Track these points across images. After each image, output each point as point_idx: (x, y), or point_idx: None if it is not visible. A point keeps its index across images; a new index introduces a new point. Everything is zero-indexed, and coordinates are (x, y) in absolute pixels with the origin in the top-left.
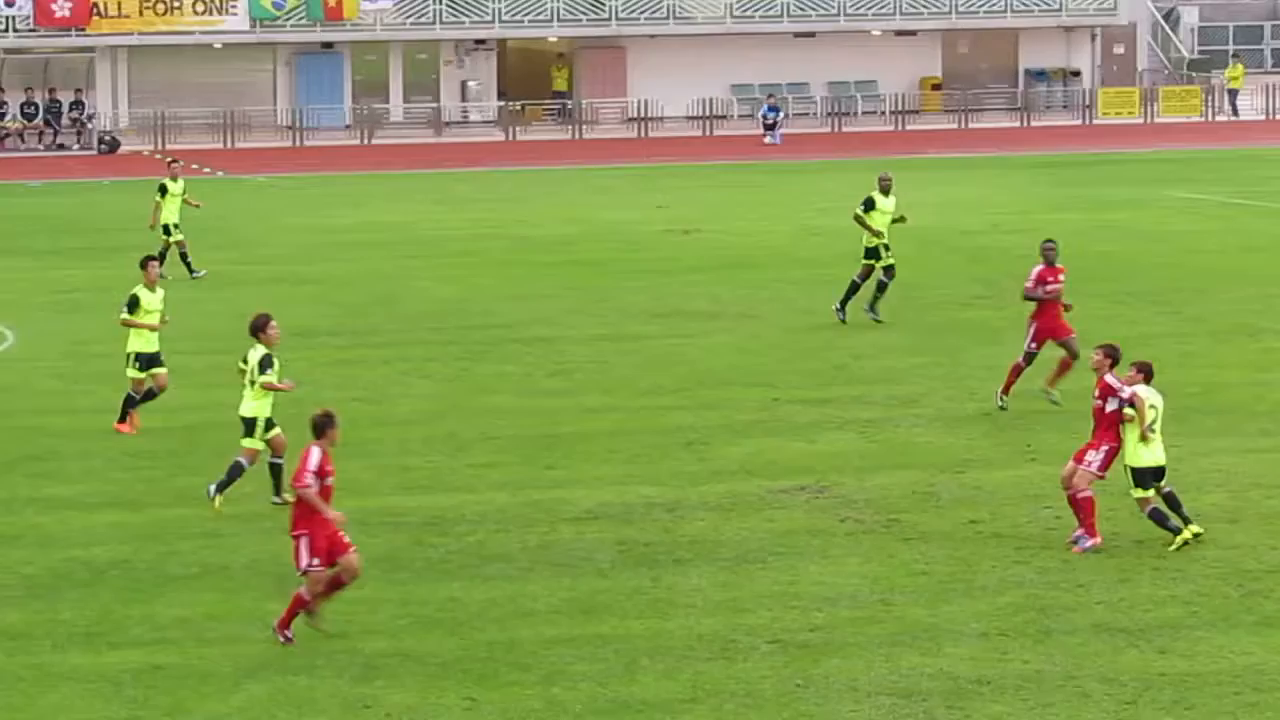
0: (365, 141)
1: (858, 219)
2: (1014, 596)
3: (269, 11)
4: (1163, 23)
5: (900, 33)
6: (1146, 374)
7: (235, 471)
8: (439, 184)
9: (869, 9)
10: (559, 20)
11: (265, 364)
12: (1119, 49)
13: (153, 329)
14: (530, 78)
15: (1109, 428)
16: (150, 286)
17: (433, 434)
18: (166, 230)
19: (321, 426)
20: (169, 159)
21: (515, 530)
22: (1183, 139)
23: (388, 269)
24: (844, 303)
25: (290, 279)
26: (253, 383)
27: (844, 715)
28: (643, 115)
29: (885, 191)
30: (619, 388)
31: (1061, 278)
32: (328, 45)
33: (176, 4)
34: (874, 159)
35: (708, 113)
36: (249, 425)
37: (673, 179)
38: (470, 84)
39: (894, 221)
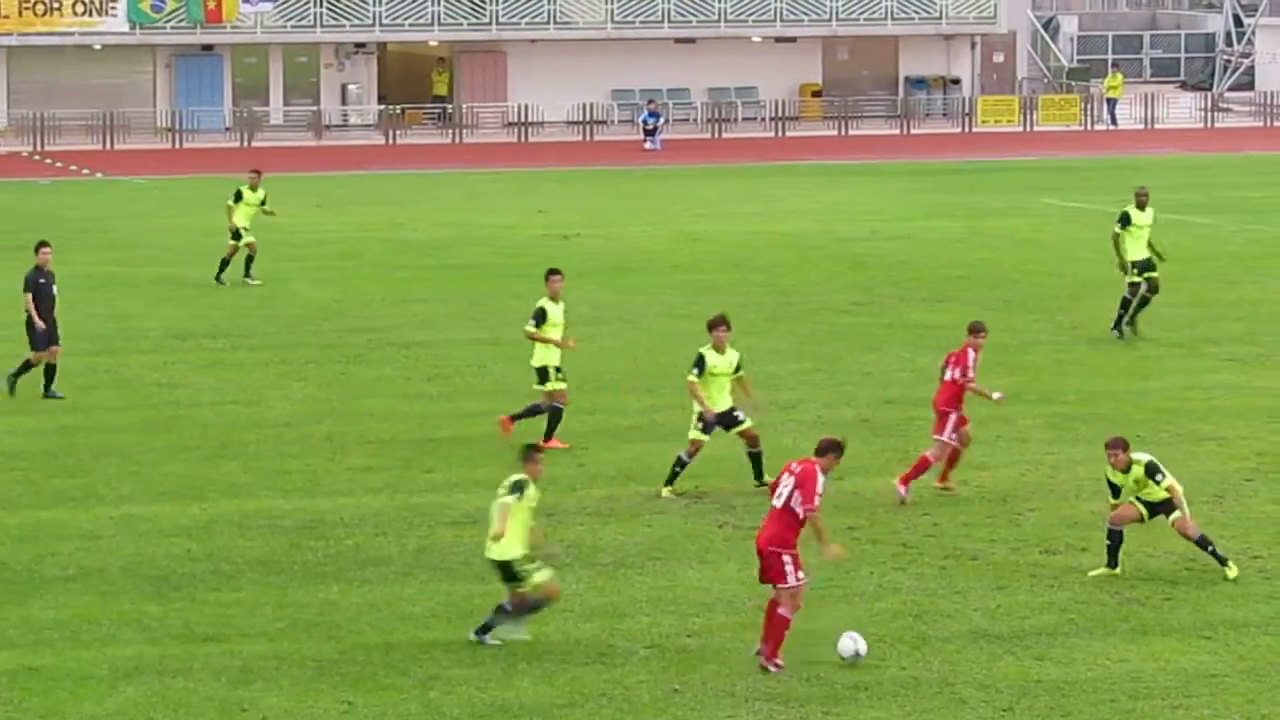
0: (245, 144)
1: (1115, 239)
2: (891, 603)
3: (148, 15)
4: (1042, 31)
5: (780, 39)
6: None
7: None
8: (318, 187)
9: (749, 15)
10: (439, 24)
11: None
12: (999, 57)
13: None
14: (410, 82)
15: None
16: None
17: (310, 437)
18: (236, 235)
19: None
20: (252, 168)
21: (393, 534)
22: (1061, 147)
23: (267, 272)
24: (1120, 321)
25: (169, 281)
26: None
27: None
28: (523, 120)
29: (1141, 207)
30: (498, 392)
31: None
32: (207, 47)
33: (56, 5)
34: (753, 165)
35: (588, 118)
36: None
37: (552, 184)
38: (350, 87)
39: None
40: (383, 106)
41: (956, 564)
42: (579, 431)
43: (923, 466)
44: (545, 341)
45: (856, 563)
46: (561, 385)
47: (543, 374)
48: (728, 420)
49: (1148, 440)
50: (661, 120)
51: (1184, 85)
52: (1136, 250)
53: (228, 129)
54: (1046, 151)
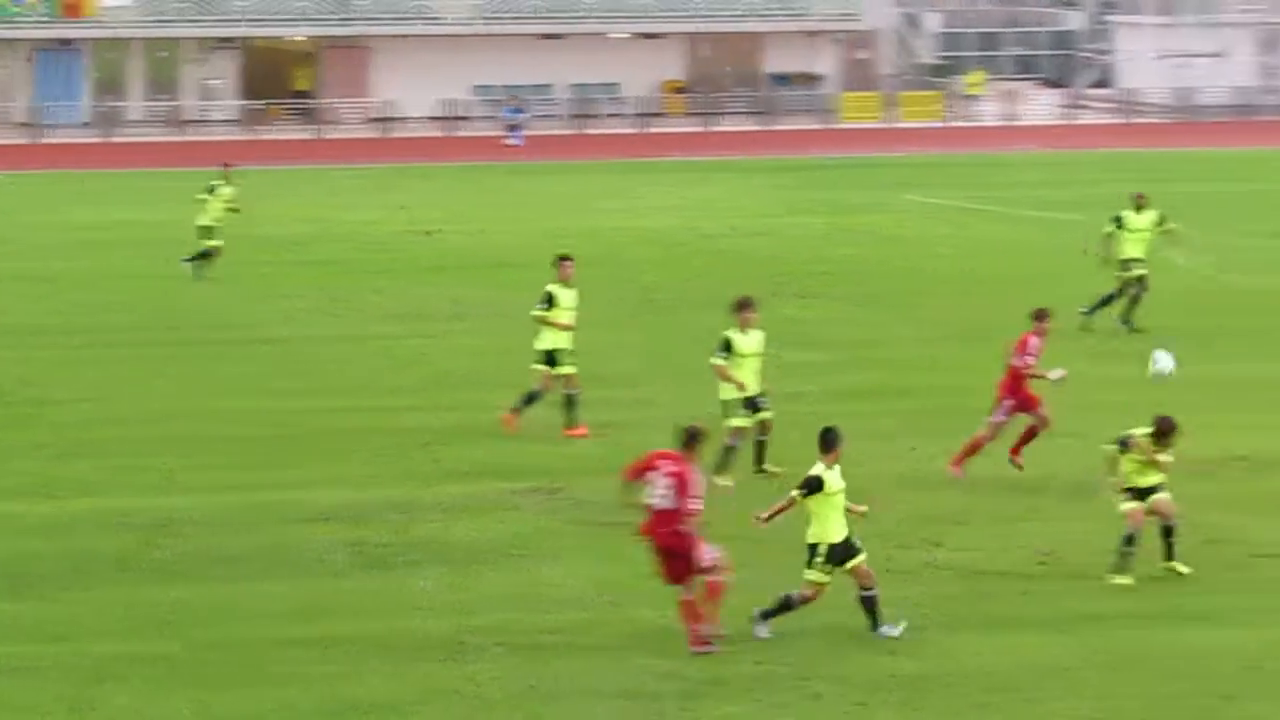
0: (105, 139)
1: (1106, 238)
2: (749, 598)
3: (6, 8)
4: (905, 28)
5: (644, 36)
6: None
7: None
8: (179, 183)
9: (613, 12)
10: (304, 19)
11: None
12: (862, 54)
13: None
14: (273, 77)
15: None
16: None
17: (168, 434)
18: (207, 233)
19: None
20: (223, 161)
21: (248, 531)
22: (923, 143)
23: (126, 268)
24: (1094, 308)
25: (27, 276)
26: None
27: (574, 717)
28: (386, 116)
29: (1139, 209)
30: (358, 389)
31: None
32: (67, 42)
33: None
34: (616, 161)
35: (451, 114)
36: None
37: (415, 180)
38: (212, 82)
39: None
40: (245, 102)
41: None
42: (435, 428)
43: (976, 447)
44: (554, 325)
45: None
46: (572, 369)
47: (550, 358)
48: (753, 405)
49: (1006, 437)
50: (525, 116)
51: (1045, 82)
52: (1133, 249)
53: (87, 124)
54: (909, 147)
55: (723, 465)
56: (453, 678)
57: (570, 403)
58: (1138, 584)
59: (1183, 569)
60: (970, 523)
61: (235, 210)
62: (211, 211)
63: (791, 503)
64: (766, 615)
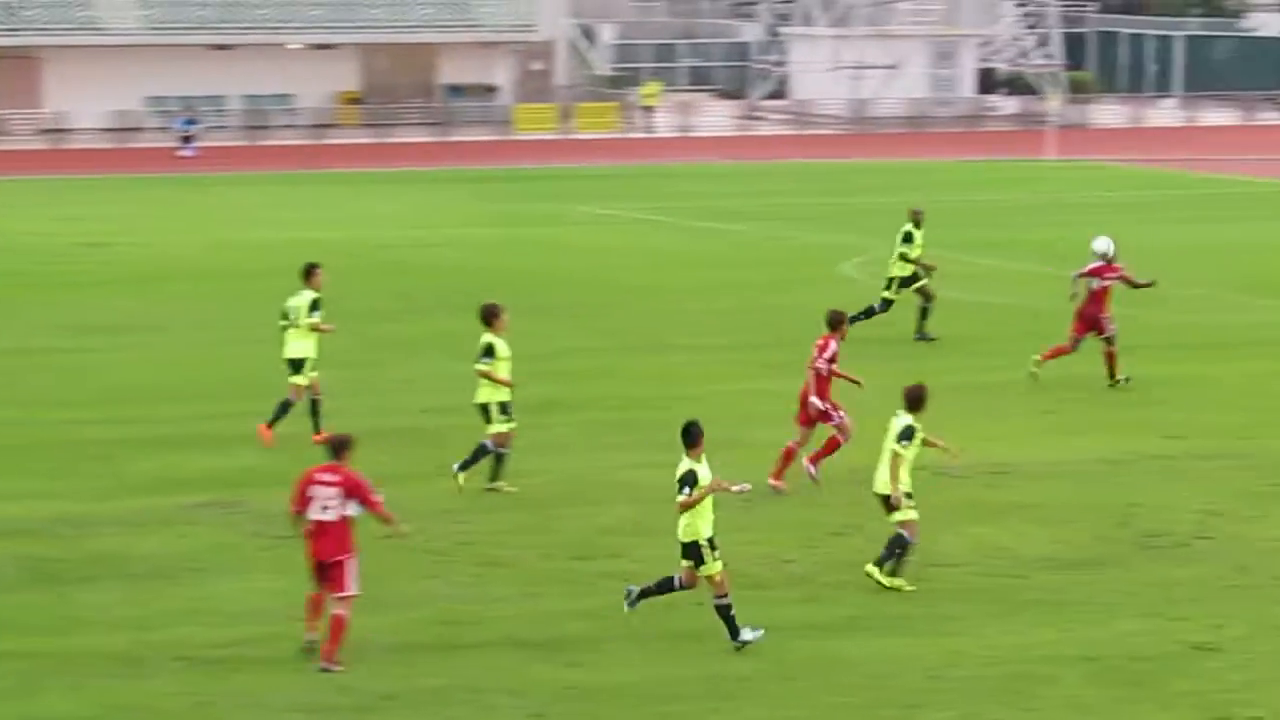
0: None
1: (901, 257)
2: (424, 611)
3: None
4: (581, 40)
5: (318, 46)
6: None
7: None
8: None
9: (287, 22)
10: None
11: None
12: (537, 65)
13: None
14: None
15: None
16: None
17: None
18: None
19: None
20: None
21: None
22: (599, 154)
23: None
24: (921, 334)
25: None
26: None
27: None
28: (57, 127)
29: (918, 225)
30: (29, 402)
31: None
32: None
33: None
34: (291, 172)
35: (123, 125)
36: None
37: (85, 192)
38: None
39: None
40: None
41: (489, 571)
42: (110, 441)
43: (833, 446)
44: (319, 330)
45: (388, 572)
46: (313, 376)
47: (297, 366)
48: (505, 411)
49: (678, 446)
50: (198, 127)
51: (720, 93)
52: (897, 268)
53: None
54: (585, 159)
55: (497, 473)
56: (131, 693)
57: (286, 407)
58: (815, 594)
59: (886, 581)
60: (649, 534)
61: None
62: None
63: (690, 504)
64: (735, 632)
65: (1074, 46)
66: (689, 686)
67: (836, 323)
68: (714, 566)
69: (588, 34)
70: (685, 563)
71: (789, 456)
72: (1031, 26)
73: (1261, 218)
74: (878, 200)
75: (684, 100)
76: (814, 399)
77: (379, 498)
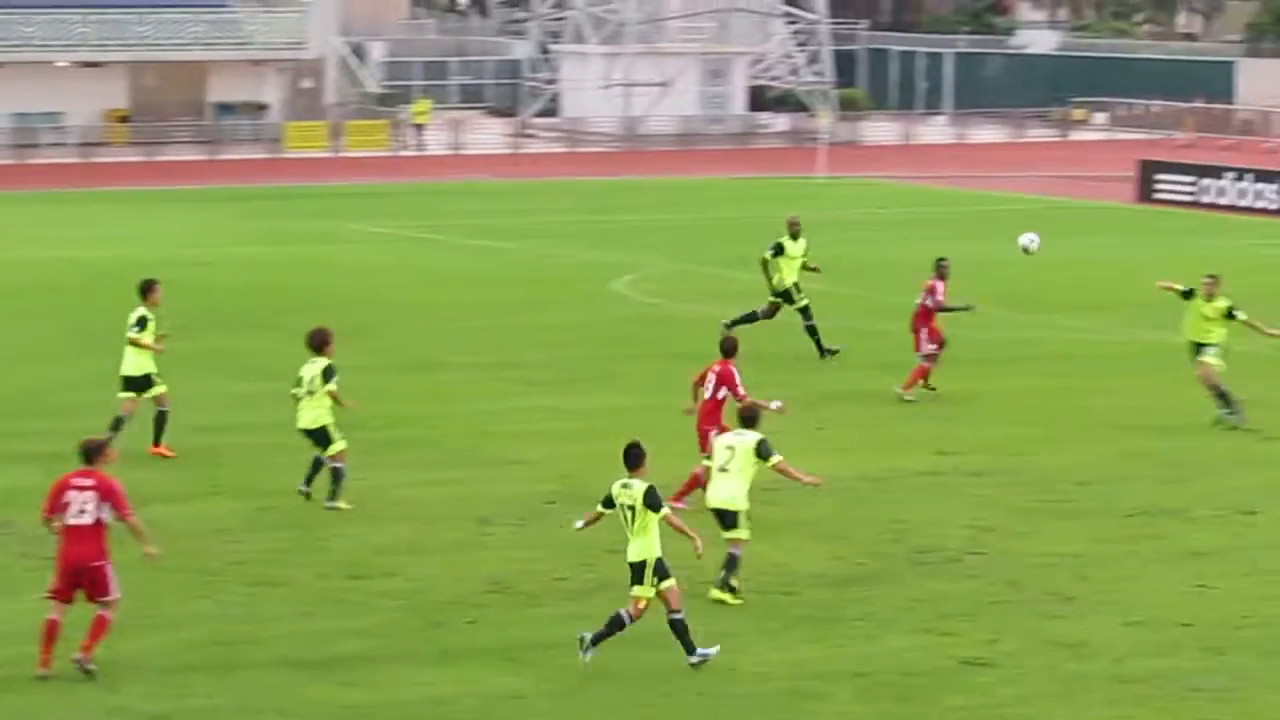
0: None
1: (764, 264)
2: (197, 631)
3: None
4: (351, 57)
5: (87, 64)
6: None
7: None
8: None
9: (55, 40)
10: None
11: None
12: (308, 82)
13: None
14: None
15: None
16: None
17: None
18: None
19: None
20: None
21: None
22: (370, 172)
23: None
24: (736, 322)
25: None
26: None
27: None
28: None
29: (795, 236)
30: None
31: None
32: None
33: None
34: (60, 191)
35: None
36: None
37: None
38: None
39: (805, 269)
40: None
41: (262, 591)
42: None
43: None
44: (146, 348)
45: (160, 591)
46: (164, 389)
47: (139, 382)
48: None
49: (451, 464)
50: None
51: (490, 111)
52: (791, 276)
53: None
54: (355, 177)
55: (336, 491)
56: None
57: (161, 420)
58: (590, 612)
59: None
60: (423, 552)
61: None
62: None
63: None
64: (596, 640)
65: (845, 64)
66: (464, 705)
67: (730, 350)
68: (648, 590)
69: (358, 52)
70: (658, 585)
71: (693, 484)
72: (802, 44)
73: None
74: (649, 218)
75: (455, 118)
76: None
77: (127, 512)
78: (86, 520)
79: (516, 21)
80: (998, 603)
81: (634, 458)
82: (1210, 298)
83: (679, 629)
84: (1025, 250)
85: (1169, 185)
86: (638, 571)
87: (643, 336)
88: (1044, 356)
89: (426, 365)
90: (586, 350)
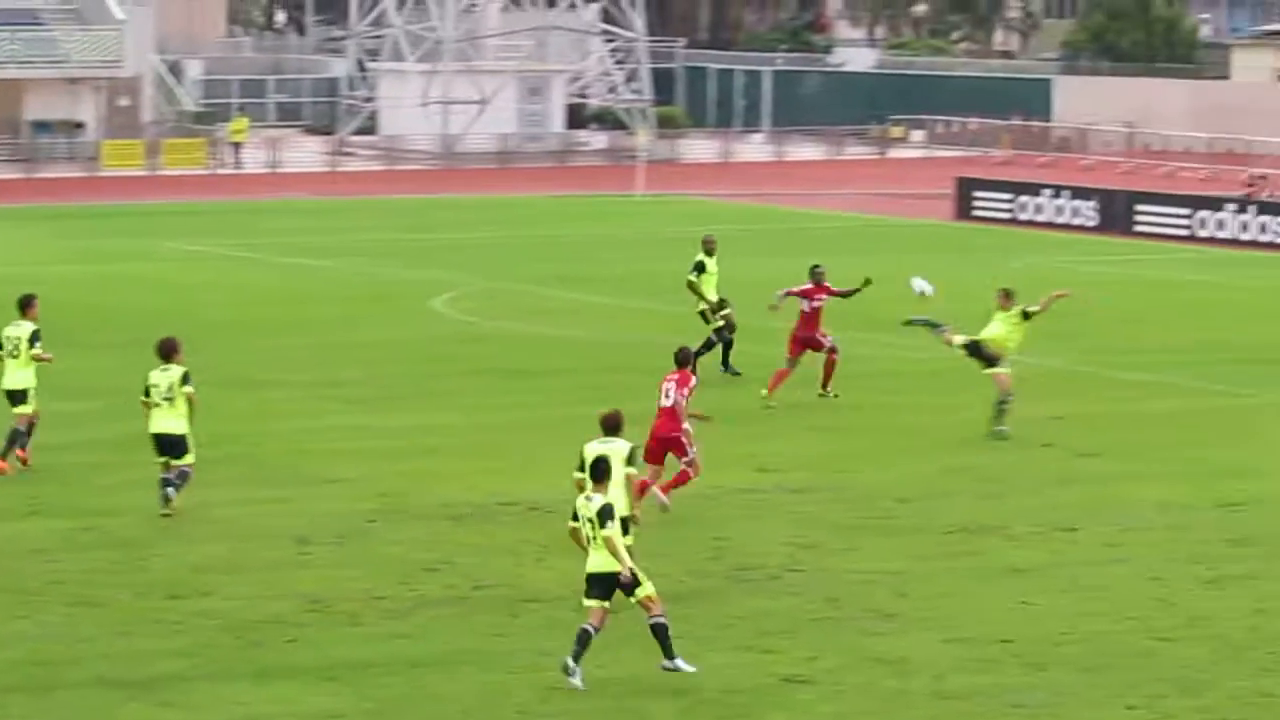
0: None
1: (690, 286)
2: (13, 652)
3: None
4: (168, 75)
5: None
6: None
7: None
8: None
9: None
10: None
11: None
12: (124, 101)
13: None
14: None
15: None
16: None
17: None
18: None
19: None
20: None
21: None
22: (187, 191)
23: None
24: (698, 352)
25: None
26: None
27: None
28: None
29: (710, 253)
30: None
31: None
32: None
33: None
34: None
35: None
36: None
37: None
38: None
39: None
40: None
41: (81, 611)
42: None
43: (683, 479)
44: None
45: None
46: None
47: (18, 396)
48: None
49: (270, 482)
50: None
51: (308, 129)
52: (712, 293)
53: None
54: (172, 195)
55: (162, 500)
56: None
57: (16, 436)
58: (409, 630)
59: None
60: (242, 571)
61: None
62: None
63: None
64: (576, 659)
65: (663, 82)
66: None
67: (685, 360)
68: (648, 587)
69: (174, 70)
70: (593, 602)
71: (643, 489)
72: (620, 62)
73: (844, 251)
74: (466, 236)
75: (272, 136)
76: (680, 432)
77: None
78: None
79: (334, 39)
80: (818, 620)
81: (598, 472)
82: (1005, 309)
83: (659, 633)
84: (922, 294)
85: (987, 202)
86: (601, 583)
87: (460, 354)
88: (864, 374)
89: (245, 383)
90: (404, 368)
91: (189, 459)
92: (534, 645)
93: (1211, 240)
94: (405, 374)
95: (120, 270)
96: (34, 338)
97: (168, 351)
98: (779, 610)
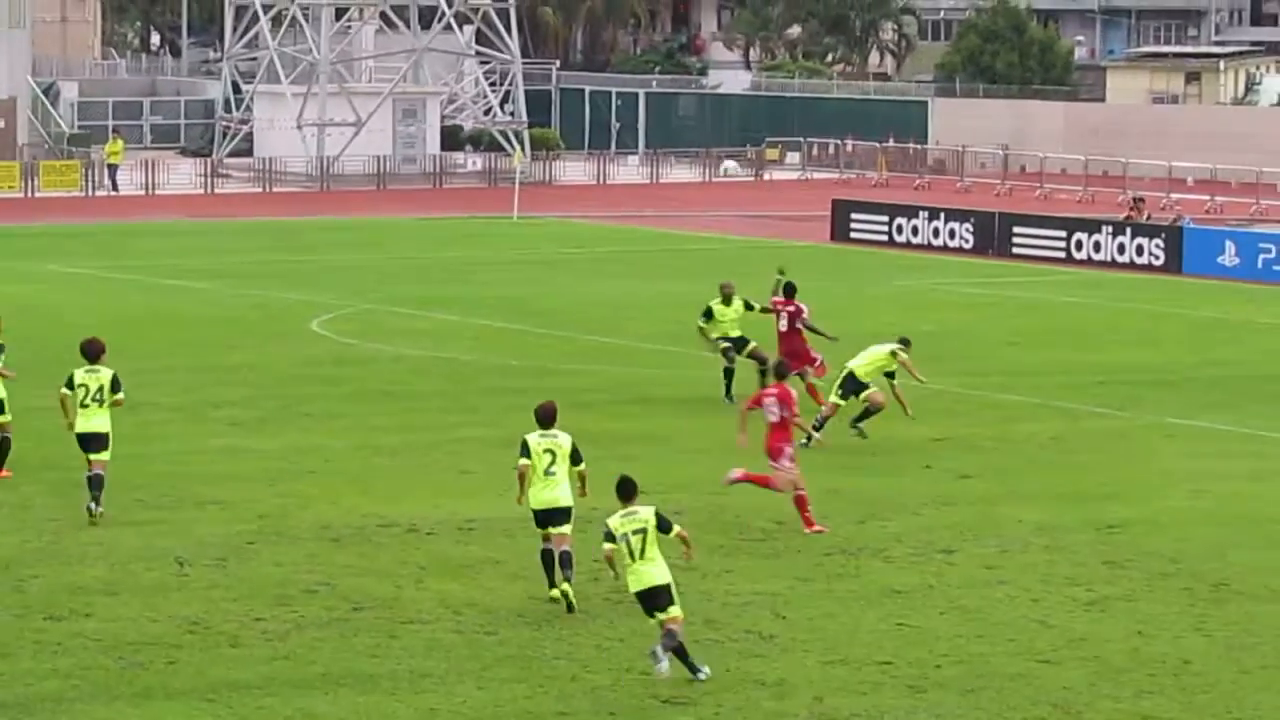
0: None
1: (700, 331)
2: None
3: None
4: (43, 97)
5: None
6: None
7: None
8: None
9: None
10: None
11: None
12: None
13: None
14: None
15: None
16: None
17: None
18: None
19: None
20: None
21: None
22: (63, 213)
23: None
24: (727, 391)
25: None
26: None
27: None
28: None
29: (728, 300)
30: None
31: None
32: None
33: None
34: None
35: None
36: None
37: None
38: None
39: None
40: None
41: None
42: None
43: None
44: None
45: None
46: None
47: None
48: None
49: (149, 504)
50: None
51: (184, 151)
52: (731, 330)
53: None
54: (48, 218)
55: (100, 496)
56: None
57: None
58: (288, 652)
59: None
60: (120, 592)
61: None
62: None
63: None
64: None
65: (538, 104)
66: None
67: (783, 373)
68: (677, 609)
69: (49, 92)
70: (659, 616)
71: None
72: (495, 84)
73: (723, 273)
74: (342, 257)
75: (148, 158)
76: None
77: None
78: None
79: (209, 61)
80: (697, 641)
81: (627, 489)
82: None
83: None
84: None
85: (864, 224)
86: (654, 597)
87: (339, 376)
88: (741, 396)
89: (126, 406)
90: (283, 389)
91: (107, 455)
92: (413, 666)
93: (1088, 262)
94: (284, 395)
95: None
96: None
97: (95, 353)
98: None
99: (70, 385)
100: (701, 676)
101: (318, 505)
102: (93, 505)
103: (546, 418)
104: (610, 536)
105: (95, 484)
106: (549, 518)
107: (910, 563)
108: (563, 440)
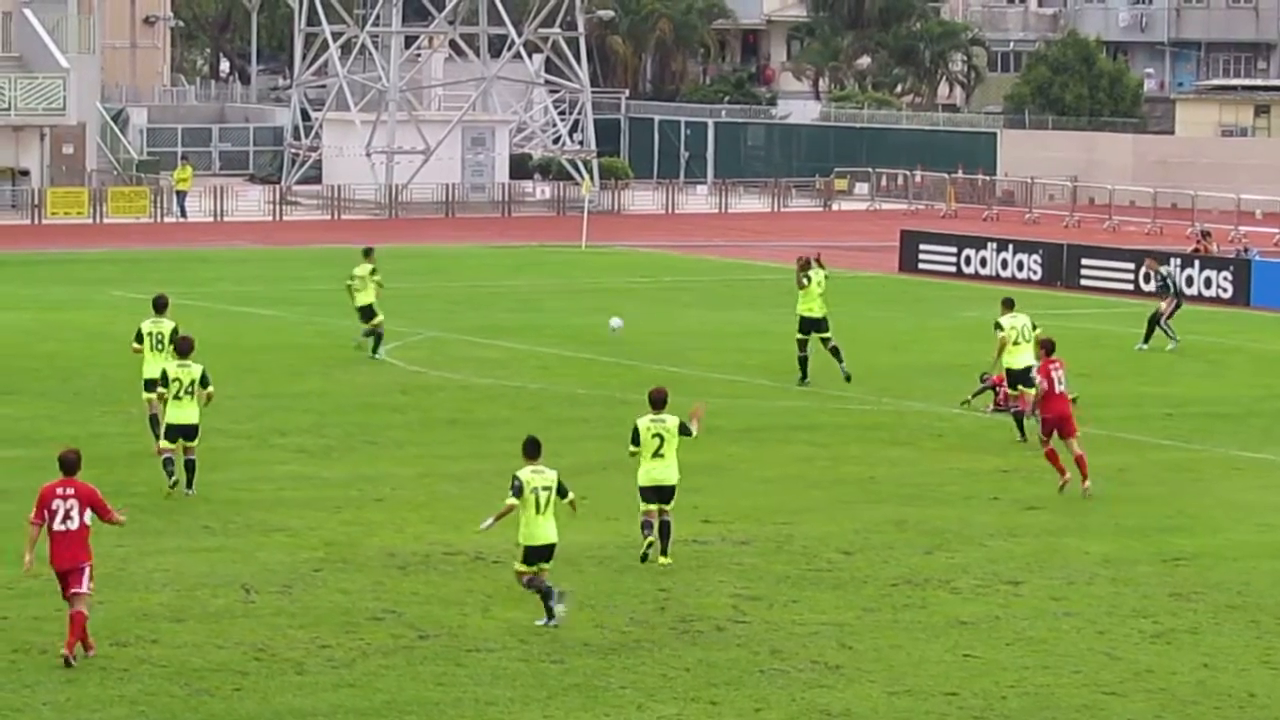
0: None
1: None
2: None
3: None
4: (112, 124)
5: None
6: None
7: None
8: None
9: None
10: None
11: None
12: (68, 149)
13: None
14: None
15: None
16: None
17: None
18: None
19: None
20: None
21: None
22: (131, 239)
23: None
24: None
25: None
26: None
27: None
28: None
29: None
30: None
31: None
32: None
33: None
34: None
35: None
36: None
37: None
38: None
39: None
40: None
41: (26, 657)
42: None
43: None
44: None
45: None
46: None
47: None
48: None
49: (215, 531)
50: None
51: (252, 178)
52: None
53: None
54: (116, 243)
55: (193, 479)
56: None
57: None
58: (355, 680)
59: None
60: (186, 619)
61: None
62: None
63: None
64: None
65: (607, 133)
66: None
67: (1051, 347)
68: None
69: (119, 118)
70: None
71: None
72: (564, 113)
73: (791, 303)
74: (412, 285)
75: (216, 185)
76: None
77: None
78: (73, 526)
79: (278, 89)
80: (763, 671)
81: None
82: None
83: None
84: (614, 330)
85: (932, 255)
86: (549, 551)
87: (406, 404)
88: (807, 426)
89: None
90: (350, 417)
91: (196, 442)
92: (479, 695)
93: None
94: (350, 423)
95: (62, 318)
96: None
97: (186, 349)
98: (724, 661)
99: (163, 382)
100: (554, 623)
101: (384, 532)
102: (188, 490)
103: (659, 401)
104: (519, 491)
105: (189, 468)
106: (659, 494)
107: (976, 594)
108: (670, 423)
